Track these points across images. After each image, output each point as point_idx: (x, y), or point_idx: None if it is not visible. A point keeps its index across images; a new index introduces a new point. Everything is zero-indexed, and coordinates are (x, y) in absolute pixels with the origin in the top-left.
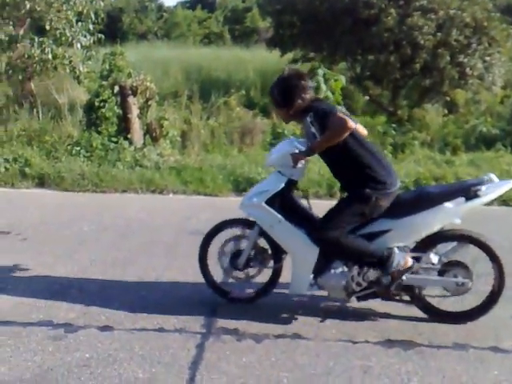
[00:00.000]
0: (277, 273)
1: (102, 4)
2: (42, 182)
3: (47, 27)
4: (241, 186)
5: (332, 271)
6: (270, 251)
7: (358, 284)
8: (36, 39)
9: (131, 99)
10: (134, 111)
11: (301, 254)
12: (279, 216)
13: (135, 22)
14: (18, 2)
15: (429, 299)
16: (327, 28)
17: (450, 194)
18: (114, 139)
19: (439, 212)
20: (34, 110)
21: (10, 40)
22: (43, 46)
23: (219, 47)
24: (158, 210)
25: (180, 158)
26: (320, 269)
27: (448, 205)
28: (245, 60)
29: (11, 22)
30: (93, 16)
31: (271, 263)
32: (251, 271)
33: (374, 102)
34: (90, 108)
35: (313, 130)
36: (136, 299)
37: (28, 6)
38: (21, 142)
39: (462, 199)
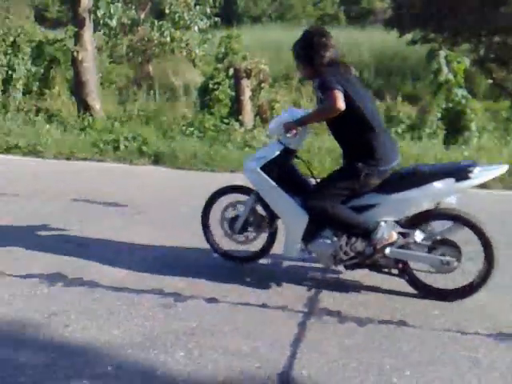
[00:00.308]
0: (272, 237)
1: None
2: (157, 159)
3: (166, 11)
4: None
5: (321, 239)
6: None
7: (346, 253)
8: (156, 23)
9: (245, 82)
10: (247, 93)
11: (291, 220)
12: (272, 183)
13: (250, 5)
14: None
15: (417, 274)
16: (451, 8)
17: (440, 173)
18: (226, 120)
19: (427, 191)
20: (151, 91)
21: (131, 23)
22: (162, 29)
23: (333, 28)
24: None
25: None
26: (310, 236)
27: (437, 184)
28: (359, 41)
29: (133, 7)
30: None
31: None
32: (250, 235)
33: (497, 86)
34: (204, 90)
35: (318, 94)
36: (242, 275)
37: None
38: (139, 121)
39: (452, 180)
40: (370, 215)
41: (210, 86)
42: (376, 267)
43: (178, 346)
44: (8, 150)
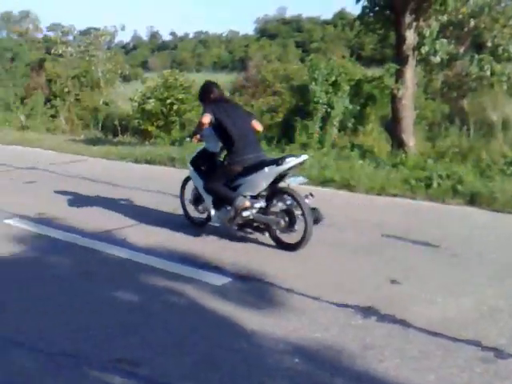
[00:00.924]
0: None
1: None
2: (472, 200)
3: (488, 44)
4: None
5: (223, 209)
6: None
7: (230, 218)
8: (475, 56)
9: None
10: None
11: (205, 197)
12: (194, 172)
13: None
14: (463, 21)
15: (276, 233)
16: None
17: (270, 162)
18: None
19: (261, 174)
20: (464, 126)
21: (449, 58)
22: (482, 62)
23: None
24: None
25: None
26: (217, 208)
27: (266, 169)
28: None
29: (452, 41)
30: None
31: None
32: (200, 208)
33: None
34: None
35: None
36: None
37: (472, 24)
38: (453, 158)
39: (274, 165)
40: (239, 191)
41: None
42: (252, 227)
43: None
44: (324, 183)
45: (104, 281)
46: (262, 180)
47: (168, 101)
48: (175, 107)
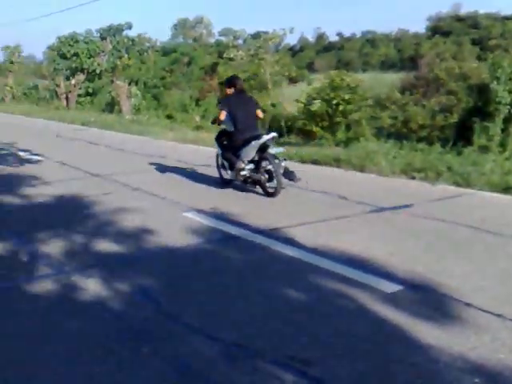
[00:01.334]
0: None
1: None
2: None
3: None
4: None
5: (234, 168)
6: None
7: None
8: None
9: None
10: None
11: (225, 162)
12: (218, 146)
13: None
14: None
15: (266, 186)
16: None
17: (255, 137)
18: None
19: (250, 146)
20: None
21: None
22: None
23: None
24: None
25: None
26: (232, 169)
27: (253, 142)
28: None
29: None
30: None
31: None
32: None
33: None
34: None
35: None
36: None
37: None
38: None
39: (257, 140)
40: (240, 158)
41: None
42: (249, 182)
43: None
44: (506, 190)
45: (274, 278)
46: (251, 150)
47: (334, 101)
48: (341, 108)
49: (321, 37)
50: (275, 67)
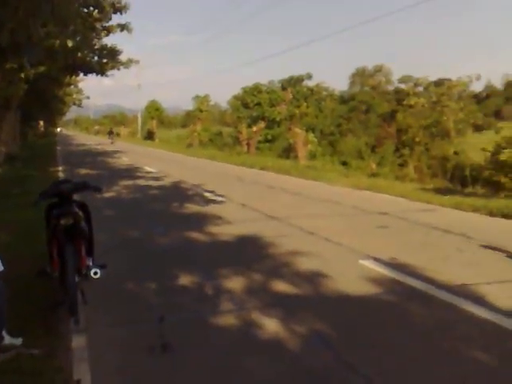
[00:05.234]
0: None
1: None
2: None
3: None
4: None
5: None
6: None
7: None
8: None
9: None
10: None
11: None
12: None
13: None
14: None
15: None
16: None
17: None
18: None
19: None
20: None
21: None
22: None
23: None
24: None
25: None
26: None
27: None
28: None
29: None
30: None
31: None
32: None
33: None
34: None
35: None
36: None
37: None
38: None
39: None
40: None
41: None
42: None
43: None
44: None
45: (462, 339)
46: None
47: None
48: None
49: (510, 84)
50: (459, 114)
